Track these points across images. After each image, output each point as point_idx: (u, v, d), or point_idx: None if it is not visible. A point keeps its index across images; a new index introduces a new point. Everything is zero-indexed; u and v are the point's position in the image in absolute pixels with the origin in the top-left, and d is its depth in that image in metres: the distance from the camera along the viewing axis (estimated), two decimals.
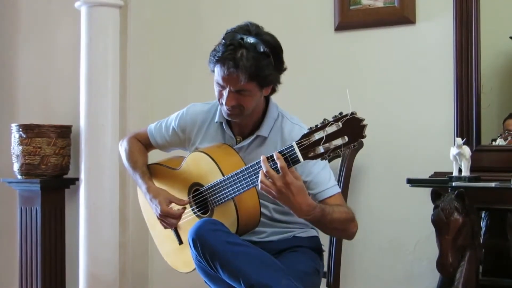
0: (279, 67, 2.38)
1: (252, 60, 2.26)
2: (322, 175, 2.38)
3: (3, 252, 4.15)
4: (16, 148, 3.72)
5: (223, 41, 2.32)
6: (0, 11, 4.20)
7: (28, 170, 3.71)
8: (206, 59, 2.38)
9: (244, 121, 2.46)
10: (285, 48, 2.38)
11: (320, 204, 2.26)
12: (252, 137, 2.47)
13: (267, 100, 2.50)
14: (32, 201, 3.75)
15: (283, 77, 2.41)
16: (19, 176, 3.78)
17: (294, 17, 3.41)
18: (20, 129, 3.69)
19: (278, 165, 2.09)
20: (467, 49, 2.95)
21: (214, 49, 2.35)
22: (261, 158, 2.14)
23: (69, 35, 3.90)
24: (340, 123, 2.01)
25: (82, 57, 3.63)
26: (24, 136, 3.68)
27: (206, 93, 2.71)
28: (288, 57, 2.40)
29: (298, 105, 3.08)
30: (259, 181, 2.14)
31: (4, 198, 4.12)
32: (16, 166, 3.75)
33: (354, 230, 2.38)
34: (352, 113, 2.00)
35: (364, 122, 1.99)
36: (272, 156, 2.12)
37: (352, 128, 2.00)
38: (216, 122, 2.54)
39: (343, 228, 2.35)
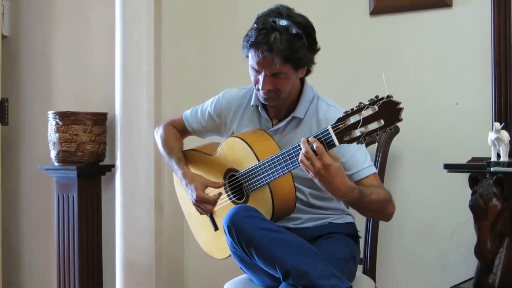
0: (313, 47, 2.36)
1: (286, 43, 2.25)
2: (358, 155, 2.36)
3: (42, 238, 4.20)
4: (52, 136, 3.76)
5: (255, 25, 2.31)
6: (35, 0, 4.24)
7: (64, 157, 3.74)
8: (240, 45, 2.37)
9: (280, 104, 2.45)
10: (319, 33, 2.37)
11: (359, 186, 2.23)
12: (288, 119, 2.46)
13: (302, 82, 2.48)
14: (69, 188, 3.78)
15: (318, 60, 2.39)
16: (56, 163, 3.81)
17: (328, 1, 3.38)
18: (57, 117, 3.72)
19: (314, 146, 2.07)
20: (505, 32, 2.89)
21: (247, 34, 2.34)
22: (301, 140, 2.12)
23: (104, 23, 3.92)
24: (376, 107, 1.98)
25: (117, 45, 3.65)
26: (61, 124, 3.71)
27: (240, 79, 2.70)
28: (323, 42, 2.38)
29: (333, 90, 3.04)
30: (298, 161, 2.12)
31: (42, 185, 4.17)
32: (53, 153, 3.79)
33: (392, 211, 2.36)
34: (388, 96, 1.98)
35: (401, 106, 1.97)
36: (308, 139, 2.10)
37: (388, 112, 1.97)
38: (252, 105, 2.54)
39: (381, 209, 2.33)
